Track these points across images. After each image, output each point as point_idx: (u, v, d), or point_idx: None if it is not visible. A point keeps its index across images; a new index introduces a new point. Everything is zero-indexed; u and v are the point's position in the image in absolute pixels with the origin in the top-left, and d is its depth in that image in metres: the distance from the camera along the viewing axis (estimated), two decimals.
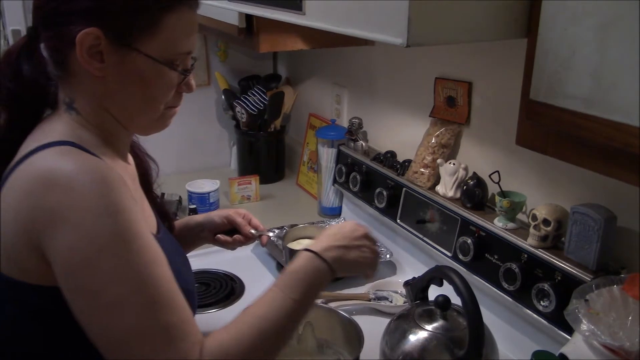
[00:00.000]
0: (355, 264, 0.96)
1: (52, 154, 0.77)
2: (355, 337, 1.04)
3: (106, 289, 0.73)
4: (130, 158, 1.00)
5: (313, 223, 1.70)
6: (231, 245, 1.19)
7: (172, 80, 0.87)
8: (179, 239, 1.08)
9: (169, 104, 0.90)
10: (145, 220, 0.92)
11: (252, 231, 1.15)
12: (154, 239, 0.80)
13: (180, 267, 0.93)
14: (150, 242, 0.78)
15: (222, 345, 0.79)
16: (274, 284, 0.88)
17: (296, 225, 1.65)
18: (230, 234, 1.17)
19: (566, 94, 0.71)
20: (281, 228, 1.64)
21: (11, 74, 0.85)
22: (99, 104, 0.85)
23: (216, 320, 1.33)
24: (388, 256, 1.50)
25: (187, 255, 1.07)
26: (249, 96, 2.09)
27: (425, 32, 0.79)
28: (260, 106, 2.06)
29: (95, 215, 0.72)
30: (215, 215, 1.19)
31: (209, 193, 1.80)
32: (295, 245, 1.31)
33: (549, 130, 0.75)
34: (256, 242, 1.24)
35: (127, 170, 0.94)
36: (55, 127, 0.84)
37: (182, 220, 1.22)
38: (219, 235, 1.18)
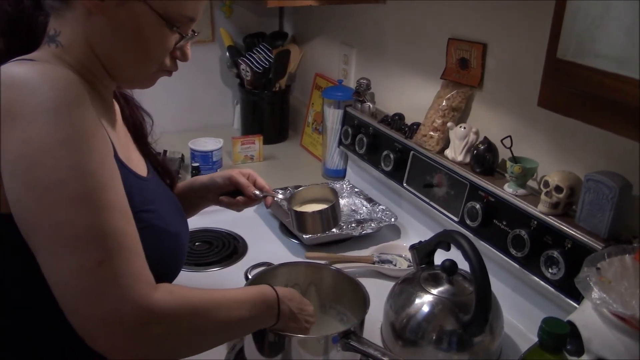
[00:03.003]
0: (292, 330, 0.96)
1: (16, 63, 0.75)
2: (360, 299, 1.03)
3: (65, 183, 0.68)
4: (115, 107, 0.96)
5: (317, 184, 1.66)
6: (235, 207, 1.15)
7: (169, 41, 0.82)
8: (183, 200, 1.06)
9: (164, 67, 0.86)
10: (128, 159, 0.88)
11: (256, 192, 1.11)
12: (119, 163, 0.78)
13: (166, 209, 0.90)
14: (111, 162, 0.75)
15: (176, 292, 0.76)
16: (246, 288, 0.92)
17: (300, 186, 1.64)
18: (234, 195, 1.14)
19: (597, 53, 0.68)
20: (285, 189, 1.62)
21: None
22: (86, 41, 0.81)
23: (218, 279, 1.33)
24: (392, 220, 1.48)
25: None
26: (254, 54, 2.04)
27: None
28: (266, 64, 2.01)
29: (52, 110, 0.69)
30: (218, 176, 1.15)
31: (212, 152, 1.77)
32: (302, 208, 1.27)
33: (575, 91, 0.72)
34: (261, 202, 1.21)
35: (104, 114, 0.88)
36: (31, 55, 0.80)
37: (187, 181, 1.19)
38: (222, 197, 1.14)
